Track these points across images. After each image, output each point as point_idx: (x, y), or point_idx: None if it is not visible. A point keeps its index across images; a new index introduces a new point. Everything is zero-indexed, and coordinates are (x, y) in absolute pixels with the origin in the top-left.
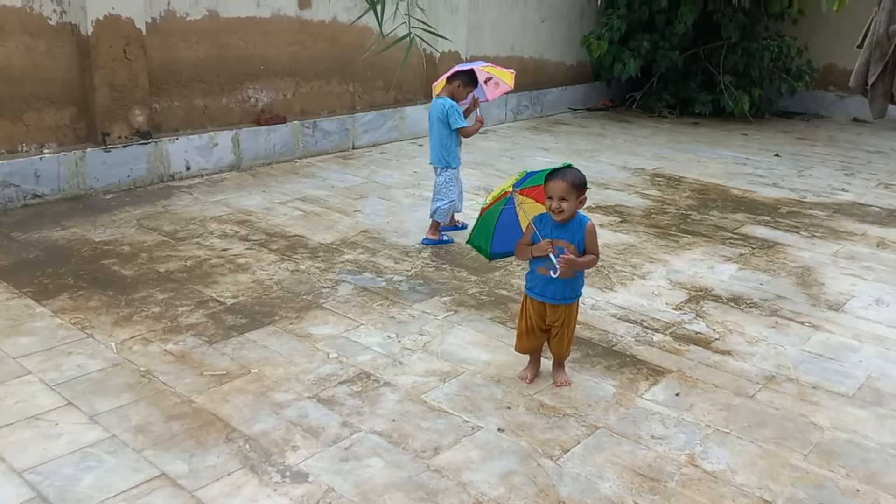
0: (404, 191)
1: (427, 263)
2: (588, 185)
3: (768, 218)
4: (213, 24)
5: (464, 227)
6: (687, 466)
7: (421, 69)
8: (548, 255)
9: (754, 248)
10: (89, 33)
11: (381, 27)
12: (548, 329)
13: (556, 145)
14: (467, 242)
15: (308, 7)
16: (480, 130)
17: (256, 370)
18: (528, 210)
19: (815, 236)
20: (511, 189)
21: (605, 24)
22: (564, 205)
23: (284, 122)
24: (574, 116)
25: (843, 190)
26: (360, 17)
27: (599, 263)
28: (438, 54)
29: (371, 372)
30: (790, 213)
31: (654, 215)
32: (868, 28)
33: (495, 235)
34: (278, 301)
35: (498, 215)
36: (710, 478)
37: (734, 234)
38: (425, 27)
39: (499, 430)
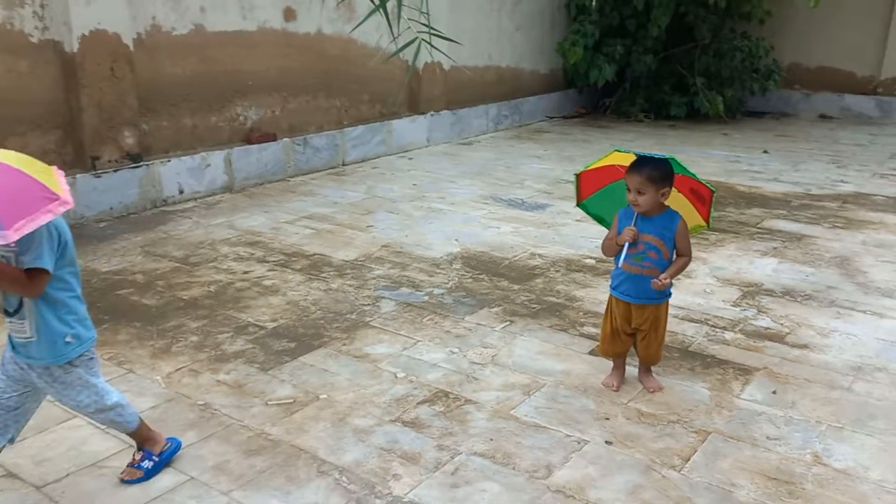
0: (410, 203)
1: (463, 275)
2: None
3: (784, 211)
4: (199, 37)
5: None
6: (816, 466)
7: (404, 82)
8: (625, 244)
9: (784, 241)
10: (74, 50)
11: (391, 29)
12: (634, 332)
13: (545, 153)
14: (578, 205)
15: (293, 19)
16: (462, 141)
17: (325, 395)
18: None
19: (836, 227)
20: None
21: (577, 31)
22: (640, 198)
23: (275, 140)
24: (552, 124)
25: (842, 182)
26: (360, 24)
27: None
28: (422, 65)
29: (448, 390)
30: (803, 206)
31: None
32: None
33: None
34: (321, 322)
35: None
36: (843, 476)
37: (758, 228)
38: (432, 31)
39: (606, 442)
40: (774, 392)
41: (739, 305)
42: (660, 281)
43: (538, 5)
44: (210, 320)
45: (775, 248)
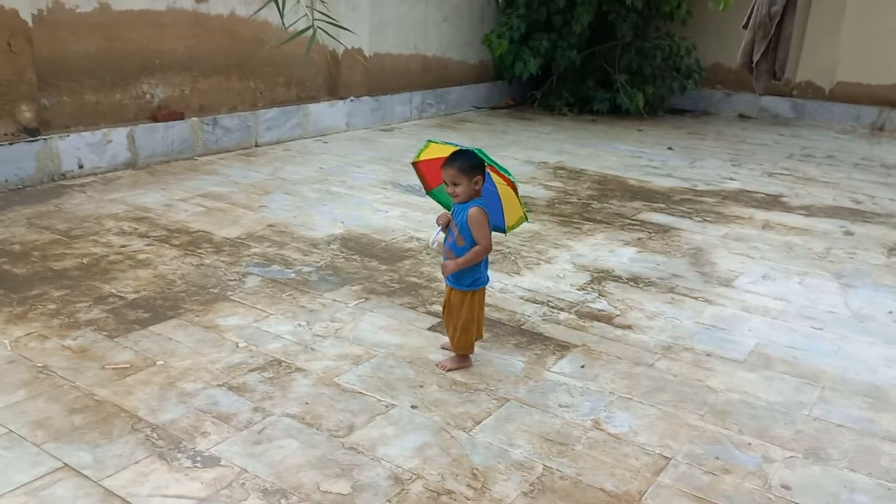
0: (310, 186)
1: (336, 255)
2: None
3: (663, 205)
4: (104, 15)
5: None
6: (592, 430)
7: (324, 66)
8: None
9: (651, 233)
10: None
11: (282, 18)
12: None
13: (460, 141)
14: (428, 194)
15: (205, 0)
16: (384, 127)
17: (162, 362)
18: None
19: (706, 220)
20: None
21: (505, 24)
22: (457, 189)
23: (182, 119)
24: (478, 114)
25: (731, 179)
26: (259, 10)
27: (506, 250)
28: (342, 50)
29: (282, 359)
30: (683, 201)
31: (557, 205)
32: (752, 9)
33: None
34: (182, 295)
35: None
36: (613, 440)
37: (632, 220)
38: (328, 19)
39: (412, 406)
40: (583, 366)
41: (584, 290)
42: (445, 266)
43: None
44: (73, 290)
45: (640, 238)
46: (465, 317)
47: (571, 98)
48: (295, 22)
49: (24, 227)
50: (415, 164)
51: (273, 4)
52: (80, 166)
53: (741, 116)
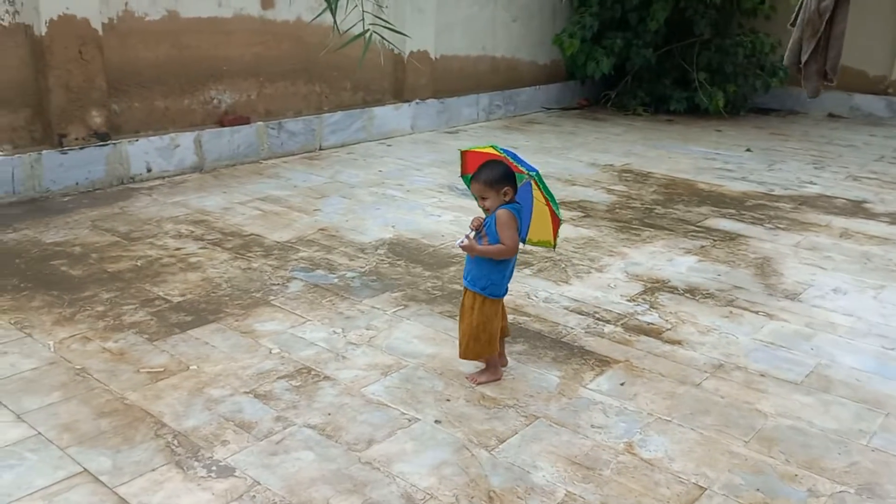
0: (367, 189)
1: (382, 260)
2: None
3: (733, 211)
4: (172, 24)
5: None
6: (624, 454)
7: (389, 70)
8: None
9: (716, 241)
10: (43, 34)
11: (335, 23)
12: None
13: (526, 143)
14: (462, 177)
15: (271, 7)
16: (449, 129)
17: (195, 366)
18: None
19: (778, 228)
20: (528, 175)
21: (577, 23)
22: (486, 203)
23: (248, 123)
24: (548, 116)
25: (811, 183)
26: (319, 15)
27: (557, 257)
28: (407, 54)
29: (312, 367)
30: (756, 206)
31: (618, 210)
32: (800, 6)
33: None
34: (226, 299)
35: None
36: (645, 465)
37: (697, 226)
38: (384, 23)
39: (436, 421)
40: (622, 384)
41: (634, 301)
42: (468, 244)
43: None
44: (122, 293)
45: (703, 246)
46: (475, 322)
47: (647, 98)
48: (354, 25)
49: (88, 228)
50: (464, 153)
51: (329, 8)
52: (149, 170)
53: (831, 116)
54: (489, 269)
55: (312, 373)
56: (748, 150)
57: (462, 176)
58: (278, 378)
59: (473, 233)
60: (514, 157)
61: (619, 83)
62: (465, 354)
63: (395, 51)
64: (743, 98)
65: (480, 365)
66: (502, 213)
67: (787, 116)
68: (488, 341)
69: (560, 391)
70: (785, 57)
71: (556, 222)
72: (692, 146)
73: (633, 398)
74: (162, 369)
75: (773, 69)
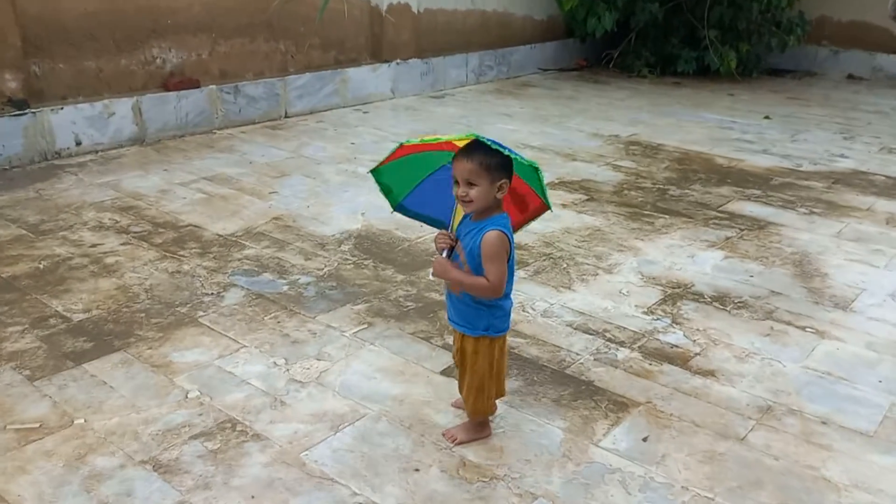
0: (336, 166)
1: (346, 259)
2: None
3: (758, 192)
4: None
5: None
6: None
7: (365, 24)
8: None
9: (743, 230)
10: None
11: None
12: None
13: (520, 110)
14: (371, 171)
15: None
16: (434, 94)
17: (82, 419)
18: None
19: (813, 213)
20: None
21: None
22: (472, 192)
23: (198, 87)
24: (544, 78)
25: (842, 156)
26: None
27: (557, 254)
28: (385, 6)
29: (239, 419)
30: (784, 186)
31: (626, 191)
32: None
33: (419, 187)
34: (141, 315)
35: (436, 168)
36: None
37: (719, 212)
38: None
39: None
40: (645, 439)
41: (654, 313)
42: (439, 264)
43: None
44: (11, 307)
45: (728, 238)
46: (480, 372)
47: (652, 58)
48: None
49: None
50: (402, 145)
51: None
52: (78, 143)
53: (850, 77)
54: (487, 302)
55: (238, 429)
56: (767, 117)
57: (371, 171)
58: (191, 437)
59: (445, 252)
60: (511, 151)
61: (622, 41)
62: (473, 413)
63: (371, 2)
64: (756, 58)
65: (454, 395)
66: (492, 237)
67: (803, 78)
68: (497, 387)
69: (565, 452)
70: (889, 7)
71: (541, 208)
72: (704, 112)
73: (660, 461)
74: (37, 425)
75: (790, 26)
